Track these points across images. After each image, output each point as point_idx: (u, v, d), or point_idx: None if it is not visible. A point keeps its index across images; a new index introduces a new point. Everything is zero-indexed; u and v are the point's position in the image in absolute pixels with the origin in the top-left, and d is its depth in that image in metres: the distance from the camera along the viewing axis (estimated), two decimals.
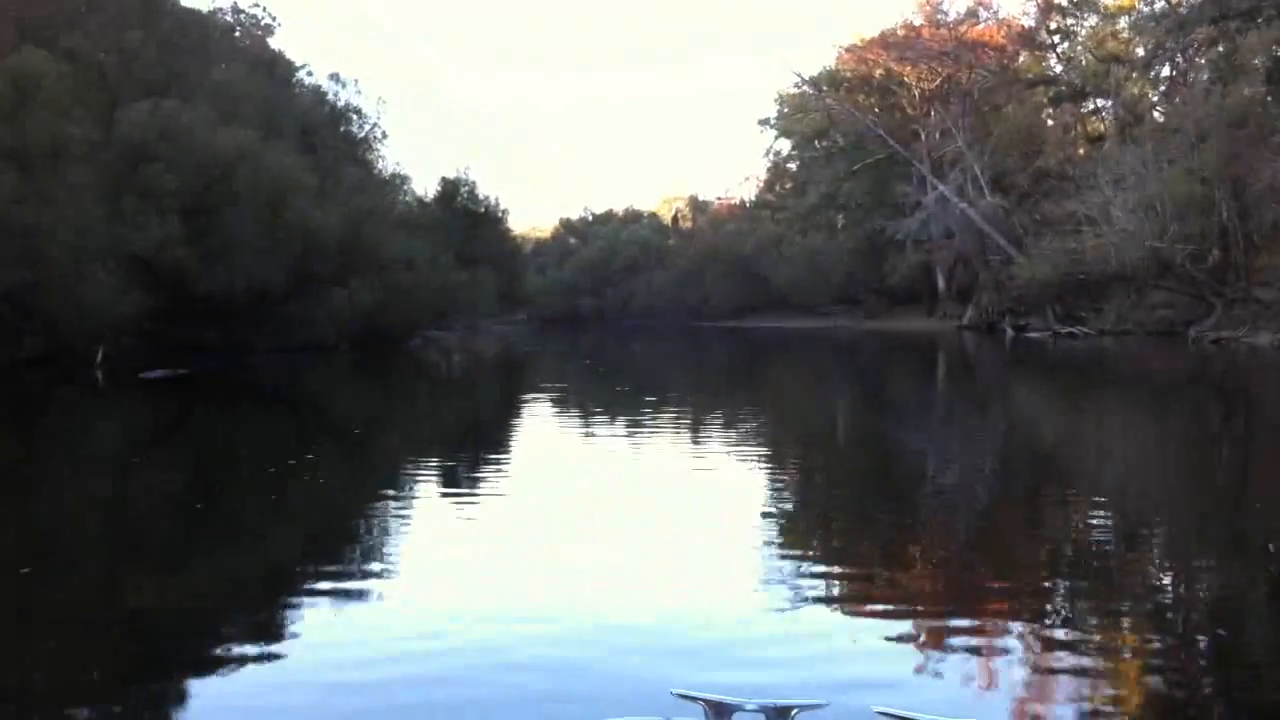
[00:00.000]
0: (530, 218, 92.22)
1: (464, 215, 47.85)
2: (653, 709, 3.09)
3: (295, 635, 5.61)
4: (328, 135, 39.45)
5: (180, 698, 4.81)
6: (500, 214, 51.55)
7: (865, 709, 3.01)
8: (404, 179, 46.92)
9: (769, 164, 76.73)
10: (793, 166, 73.53)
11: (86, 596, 6.67)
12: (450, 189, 48.57)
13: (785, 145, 73.31)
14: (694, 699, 2.66)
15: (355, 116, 43.77)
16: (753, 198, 79.30)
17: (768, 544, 7.82)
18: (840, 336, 53.39)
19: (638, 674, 4.84)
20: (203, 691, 4.82)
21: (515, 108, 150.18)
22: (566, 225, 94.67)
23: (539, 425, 16.99)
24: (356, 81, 43.77)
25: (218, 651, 5.33)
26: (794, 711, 2.60)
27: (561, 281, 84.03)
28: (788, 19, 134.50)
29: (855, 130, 60.61)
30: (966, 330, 53.39)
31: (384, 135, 45.44)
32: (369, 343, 33.13)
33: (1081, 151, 55.08)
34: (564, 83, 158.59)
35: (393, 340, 35.64)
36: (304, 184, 30.62)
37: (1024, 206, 53.29)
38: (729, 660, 5.04)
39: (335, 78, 43.42)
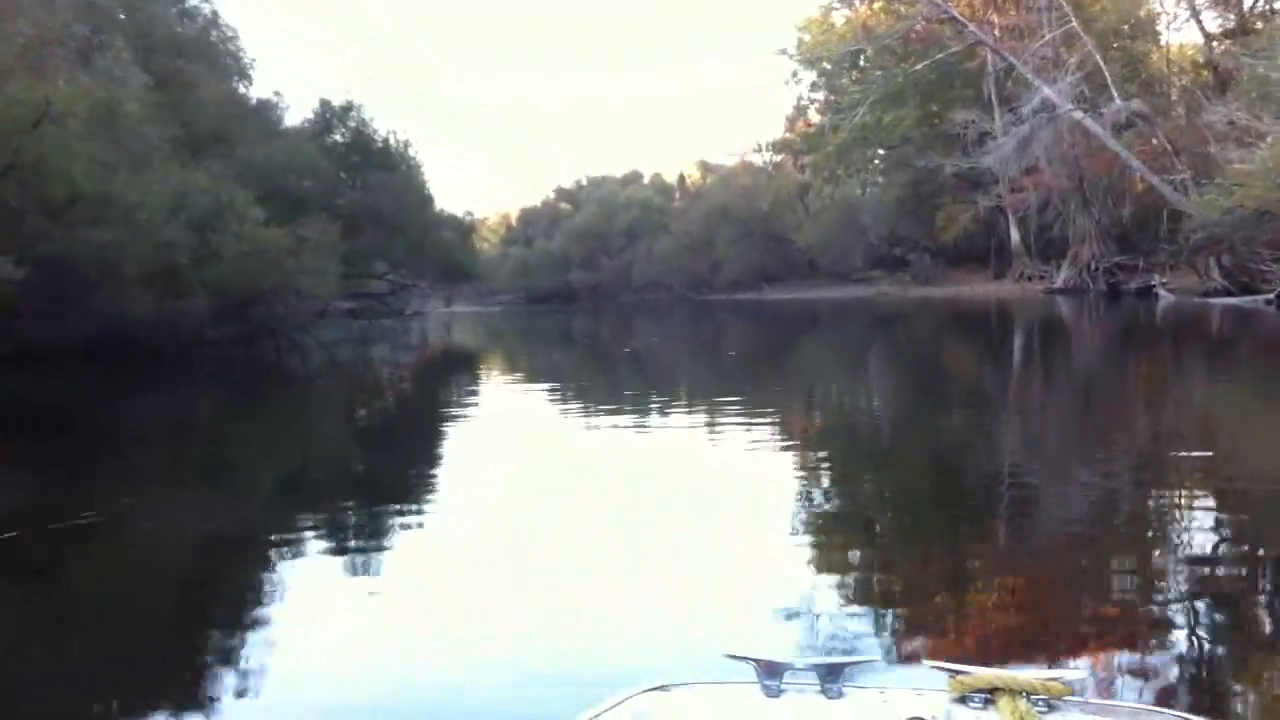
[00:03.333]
0: None
1: (350, 153, 31.34)
2: (706, 673, 2.49)
3: None
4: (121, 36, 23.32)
5: None
6: (409, 155, 33.28)
7: (918, 664, 2.71)
8: (274, 102, 30.99)
9: (792, 103, 60.54)
10: (819, 98, 56.65)
11: None
12: (329, 114, 31.72)
13: (809, 79, 56.41)
14: (745, 659, 2.31)
15: (176, 13, 27.90)
16: (772, 141, 62.98)
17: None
18: (884, 307, 37.36)
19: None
20: None
21: (515, 108, 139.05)
22: (560, 192, 78.78)
23: None
24: None
25: None
26: (845, 667, 2.22)
27: (551, 253, 68.69)
28: (788, 19, 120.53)
29: (902, 34, 43.38)
30: (1060, 294, 36.78)
31: (233, 34, 29.37)
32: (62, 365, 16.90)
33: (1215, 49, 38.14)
34: (564, 83, 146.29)
35: (148, 350, 18.75)
36: None
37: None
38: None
39: None
